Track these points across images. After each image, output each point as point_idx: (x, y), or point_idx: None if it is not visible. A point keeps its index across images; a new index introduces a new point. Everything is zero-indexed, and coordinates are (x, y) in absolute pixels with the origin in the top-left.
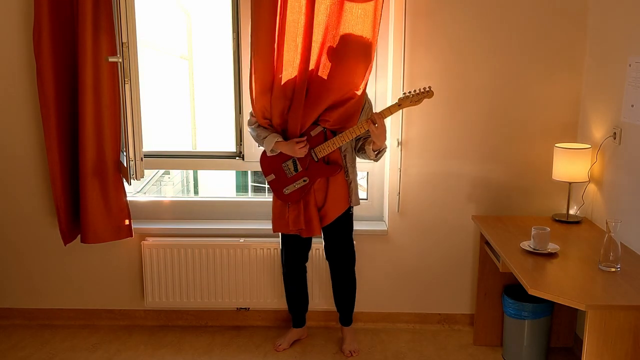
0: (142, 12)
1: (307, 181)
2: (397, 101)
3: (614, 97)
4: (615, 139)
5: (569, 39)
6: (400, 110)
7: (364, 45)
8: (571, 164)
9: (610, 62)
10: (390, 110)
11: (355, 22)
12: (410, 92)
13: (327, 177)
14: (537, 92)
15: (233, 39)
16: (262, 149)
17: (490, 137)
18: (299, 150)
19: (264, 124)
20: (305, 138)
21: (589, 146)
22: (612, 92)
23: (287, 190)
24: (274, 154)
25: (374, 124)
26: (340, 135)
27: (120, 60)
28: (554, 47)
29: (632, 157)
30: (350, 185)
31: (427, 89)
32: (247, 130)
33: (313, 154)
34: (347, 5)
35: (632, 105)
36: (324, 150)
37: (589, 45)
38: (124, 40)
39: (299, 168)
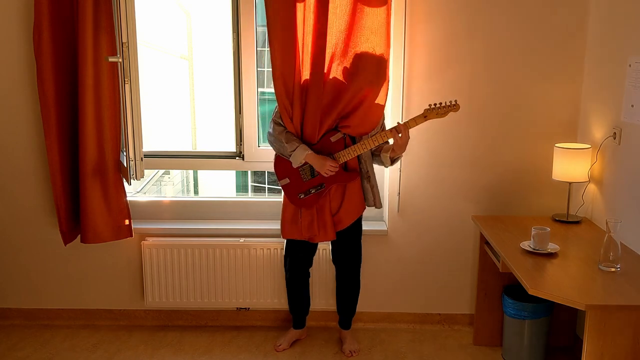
0: (142, 12)
1: (324, 187)
2: (422, 112)
3: (614, 97)
4: (615, 139)
5: (569, 39)
6: (409, 114)
7: (378, 57)
8: (571, 164)
9: (610, 62)
10: (415, 121)
11: (367, 28)
12: (436, 104)
13: (344, 184)
14: (537, 92)
15: (233, 39)
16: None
17: (491, 137)
18: (328, 169)
19: (291, 128)
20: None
21: (589, 146)
22: (612, 92)
23: (302, 195)
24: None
25: (399, 134)
26: (362, 142)
27: (120, 60)
28: (554, 47)
29: (632, 157)
30: (373, 190)
31: (454, 103)
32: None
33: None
34: (359, 7)
35: (632, 105)
36: (345, 156)
37: (589, 46)
38: (124, 40)
39: (316, 173)
